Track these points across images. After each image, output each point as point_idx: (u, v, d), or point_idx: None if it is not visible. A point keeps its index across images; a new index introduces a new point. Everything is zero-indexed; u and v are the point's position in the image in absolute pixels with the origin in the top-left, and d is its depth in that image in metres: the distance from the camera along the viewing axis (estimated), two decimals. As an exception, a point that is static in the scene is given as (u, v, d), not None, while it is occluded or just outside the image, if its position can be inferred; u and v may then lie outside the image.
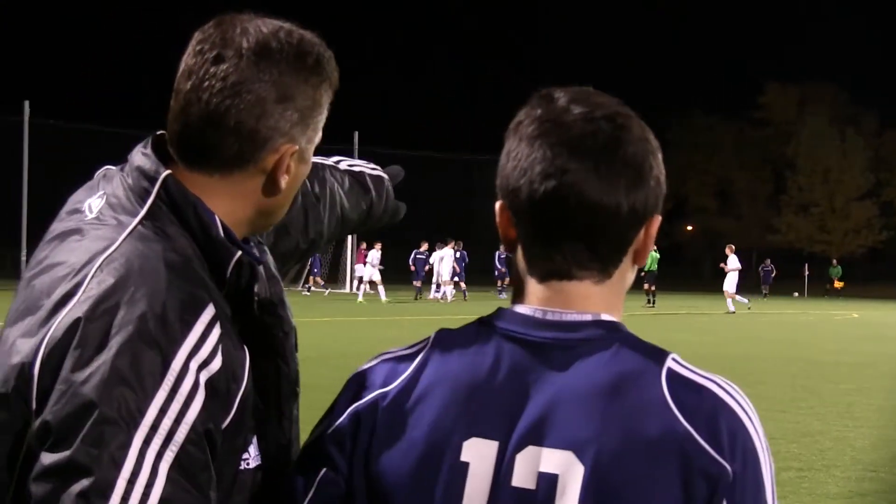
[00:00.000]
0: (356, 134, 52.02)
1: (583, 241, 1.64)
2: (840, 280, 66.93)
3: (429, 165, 63.29)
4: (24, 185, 43.38)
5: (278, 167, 1.82)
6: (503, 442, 1.60)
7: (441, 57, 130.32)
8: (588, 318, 1.65)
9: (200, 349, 1.66)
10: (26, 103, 43.76)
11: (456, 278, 45.17)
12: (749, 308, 40.38)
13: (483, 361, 1.66)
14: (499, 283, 47.25)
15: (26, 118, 43.93)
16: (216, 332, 1.68)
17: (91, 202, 1.84)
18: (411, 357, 1.73)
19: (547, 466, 1.57)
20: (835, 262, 69.72)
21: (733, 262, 41.25)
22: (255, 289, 1.83)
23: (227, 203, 1.83)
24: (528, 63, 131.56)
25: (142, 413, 1.59)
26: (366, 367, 1.77)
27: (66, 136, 50.86)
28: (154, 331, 1.63)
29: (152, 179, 1.79)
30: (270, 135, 1.79)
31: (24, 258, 42.42)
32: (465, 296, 44.90)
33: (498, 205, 1.71)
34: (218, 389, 1.67)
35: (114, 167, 1.91)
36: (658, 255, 43.70)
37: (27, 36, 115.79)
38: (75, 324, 1.64)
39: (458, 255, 45.54)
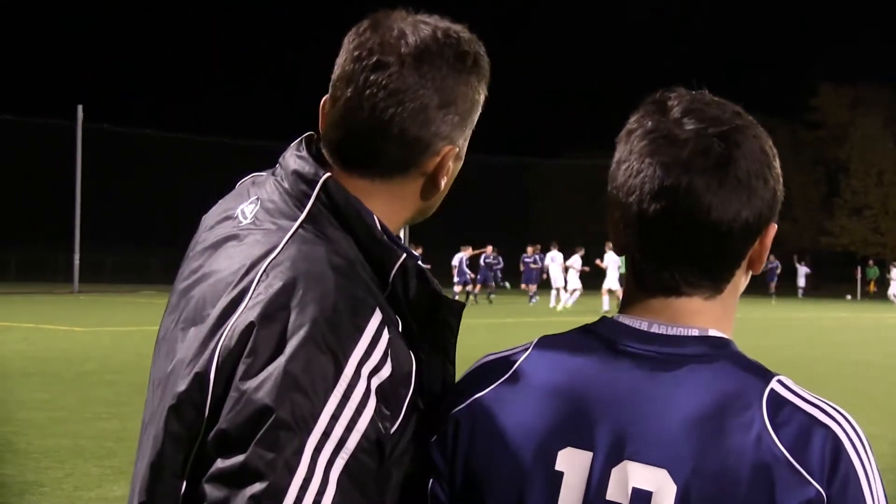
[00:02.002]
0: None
1: (694, 260, 1.61)
2: (875, 282, 65.91)
3: (480, 168, 63.26)
4: (77, 189, 43.82)
5: (439, 169, 1.82)
6: (598, 453, 1.58)
7: (491, 57, 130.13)
8: (695, 333, 1.62)
9: (371, 355, 1.63)
10: (80, 108, 44.20)
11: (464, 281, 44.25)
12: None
13: (582, 370, 1.64)
14: (527, 288, 45.70)
15: (80, 123, 44.37)
16: (385, 336, 1.66)
17: (244, 208, 1.83)
18: (510, 361, 1.71)
19: (641, 482, 1.54)
20: (871, 262, 68.68)
21: (610, 258, 39.87)
22: (431, 287, 1.80)
23: (386, 205, 1.80)
24: (580, 62, 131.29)
25: (315, 419, 1.58)
26: (467, 371, 1.76)
27: (120, 141, 51.41)
28: (326, 335, 1.61)
29: (311, 182, 1.77)
30: (432, 140, 1.79)
31: (76, 262, 42.89)
32: (468, 299, 43.63)
33: (609, 212, 1.68)
34: (388, 396, 1.65)
35: (262, 173, 1.90)
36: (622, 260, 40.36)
37: (81, 41, 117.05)
38: (248, 329, 1.63)
39: (468, 261, 44.66)
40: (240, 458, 1.57)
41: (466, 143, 1.87)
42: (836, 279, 68.34)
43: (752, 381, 1.58)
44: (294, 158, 1.82)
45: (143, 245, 58.45)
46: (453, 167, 1.85)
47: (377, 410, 1.62)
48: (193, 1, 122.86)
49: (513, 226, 65.61)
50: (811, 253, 78.50)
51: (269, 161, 1.93)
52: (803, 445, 1.51)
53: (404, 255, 1.76)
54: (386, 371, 1.65)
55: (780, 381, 1.58)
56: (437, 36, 1.79)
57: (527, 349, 1.71)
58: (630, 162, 1.62)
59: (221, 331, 1.66)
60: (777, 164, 1.66)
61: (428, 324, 1.79)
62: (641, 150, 1.62)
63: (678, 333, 1.62)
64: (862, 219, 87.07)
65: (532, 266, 45.08)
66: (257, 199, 1.83)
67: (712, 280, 1.64)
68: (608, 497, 1.56)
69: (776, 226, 1.67)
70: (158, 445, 1.69)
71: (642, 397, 1.58)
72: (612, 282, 39.60)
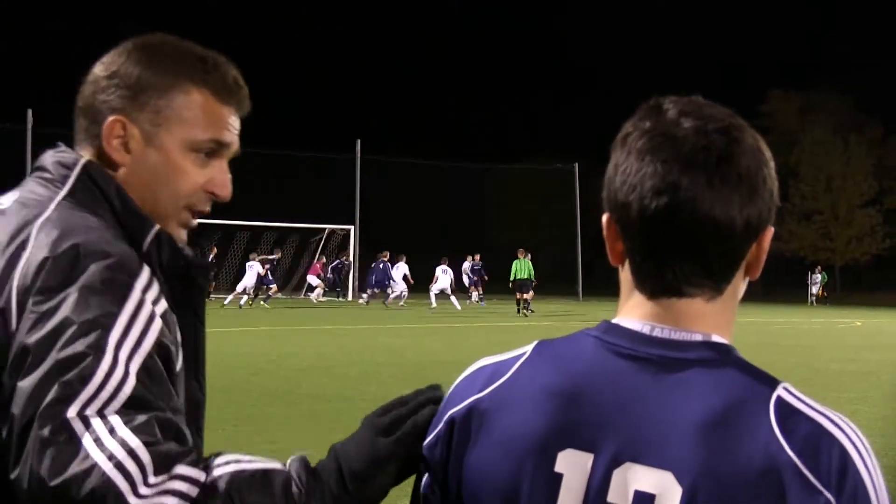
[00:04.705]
0: (358, 142, 52.04)
1: (696, 258, 1.60)
2: (824, 288, 66.48)
3: (435, 175, 63.23)
4: (26, 193, 43.35)
5: (106, 137, 1.98)
6: (599, 455, 1.57)
7: (446, 62, 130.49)
8: (698, 338, 1.62)
9: (152, 286, 1.80)
10: (29, 112, 43.82)
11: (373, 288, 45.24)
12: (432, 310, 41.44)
13: (583, 373, 1.63)
14: (473, 291, 47.81)
15: (29, 127, 43.97)
16: (156, 284, 1.81)
17: (3, 199, 1.96)
18: (509, 364, 1.71)
19: (644, 485, 1.54)
20: (819, 268, 69.38)
21: (439, 272, 44.34)
22: (184, 253, 1.98)
23: (125, 179, 1.98)
24: (532, 68, 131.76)
25: (114, 322, 1.70)
26: (465, 373, 1.77)
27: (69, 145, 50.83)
28: (119, 266, 1.76)
29: (72, 165, 1.94)
30: (100, 108, 2.00)
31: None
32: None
33: (605, 217, 1.67)
34: (170, 325, 1.80)
35: None
36: (530, 264, 41.48)
37: (29, 43, 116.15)
38: (42, 264, 1.74)
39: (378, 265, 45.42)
40: (46, 363, 1.65)
41: (161, 130, 1.99)
42: (784, 284, 68.86)
43: (759, 387, 1.58)
44: (53, 154, 2.00)
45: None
46: (141, 145, 1.98)
47: (163, 332, 1.76)
48: (139, 1, 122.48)
49: (465, 232, 65.55)
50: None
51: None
52: (813, 453, 1.51)
53: (158, 226, 1.95)
54: (164, 304, 1.81)
55: (786, 388, 1.58)
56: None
57: (525, 352, 1.71)
58: (629, 162, 1.61)
59: (14, 273, 1.75)
60: (773, 166, 1.67)
61: (180, 283, 1.95)
62: (640, 148, 1.61)
63: (682, 338, 1.61)
64: (811, 224, 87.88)
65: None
66: (17, 192, 1.97)
67: (713, 280, 1.63)
68: (609, 499, 1.55)
69: (773, 229, 1.67)
70: None
71: (646, 401, 1.58)
72: (444, 284, 44.20)
